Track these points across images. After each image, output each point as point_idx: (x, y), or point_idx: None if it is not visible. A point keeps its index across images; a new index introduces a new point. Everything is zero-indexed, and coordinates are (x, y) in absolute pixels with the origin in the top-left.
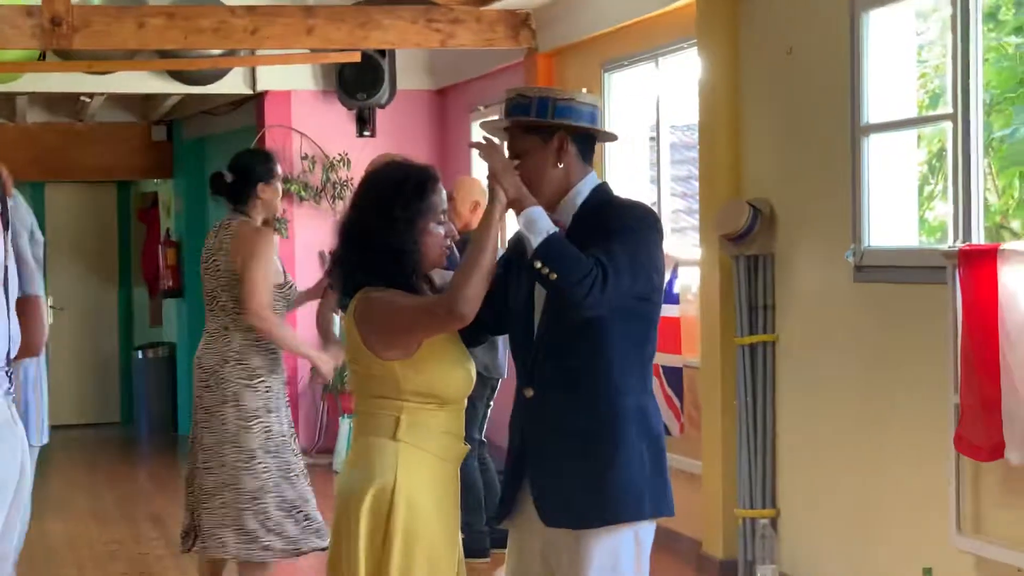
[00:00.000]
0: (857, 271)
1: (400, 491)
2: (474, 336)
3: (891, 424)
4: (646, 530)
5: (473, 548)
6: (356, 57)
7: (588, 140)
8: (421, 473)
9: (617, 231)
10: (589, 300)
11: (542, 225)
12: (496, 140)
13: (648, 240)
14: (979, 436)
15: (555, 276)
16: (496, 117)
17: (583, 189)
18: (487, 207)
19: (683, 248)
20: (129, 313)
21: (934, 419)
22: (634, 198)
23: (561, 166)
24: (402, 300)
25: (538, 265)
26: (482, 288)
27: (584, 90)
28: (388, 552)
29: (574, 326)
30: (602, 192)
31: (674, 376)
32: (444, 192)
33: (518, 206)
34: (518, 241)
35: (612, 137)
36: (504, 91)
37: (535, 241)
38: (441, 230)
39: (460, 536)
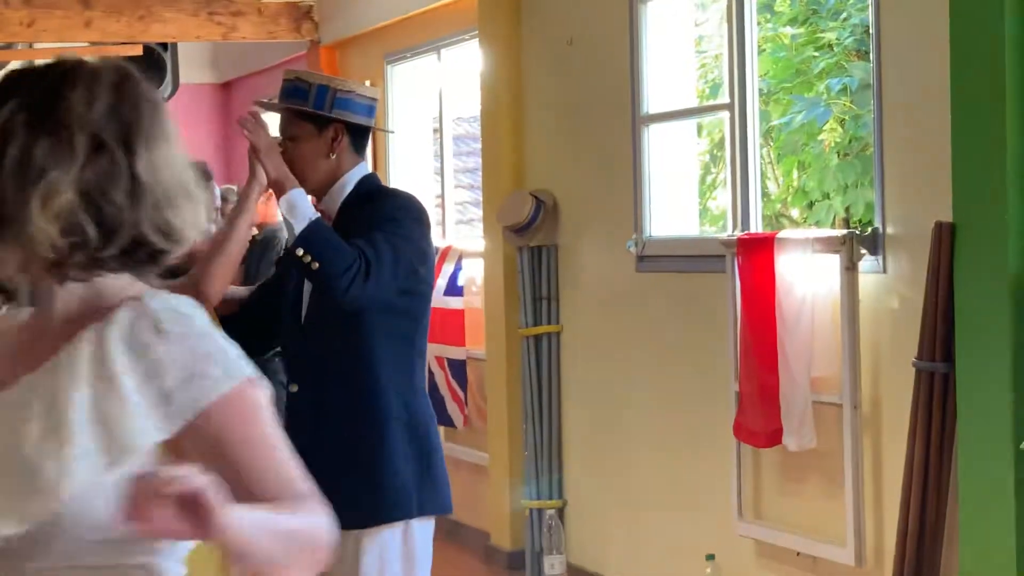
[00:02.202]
0: (639, 261)
1: None
2: (264, 344)
3: (675, 412)
4: (418, 528)
5: None
6: (137, 50)
7: (363, 132)
8: None
9: (381, 221)
10: (352, 292)
11: (304, 210)
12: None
13: (412, 231)
14: (757, 423)
15: (317, 265)
16: (273, 98)
17: (351, 179)
18: (245, 186)
19: (469, 240)
20: None
21: (716, 407)
22: (402, 188)
23: (333, 157)
24: None
25: (300, 253)
26: (229, 267)
27: (368, 83)
28: None
29: (338, 322)
30: (369, 182)
31: (458, 368)
32: (217, 189)
33: (279, 188)
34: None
35: (388, 131)
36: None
37: (297, 227)
38: (211, 227)
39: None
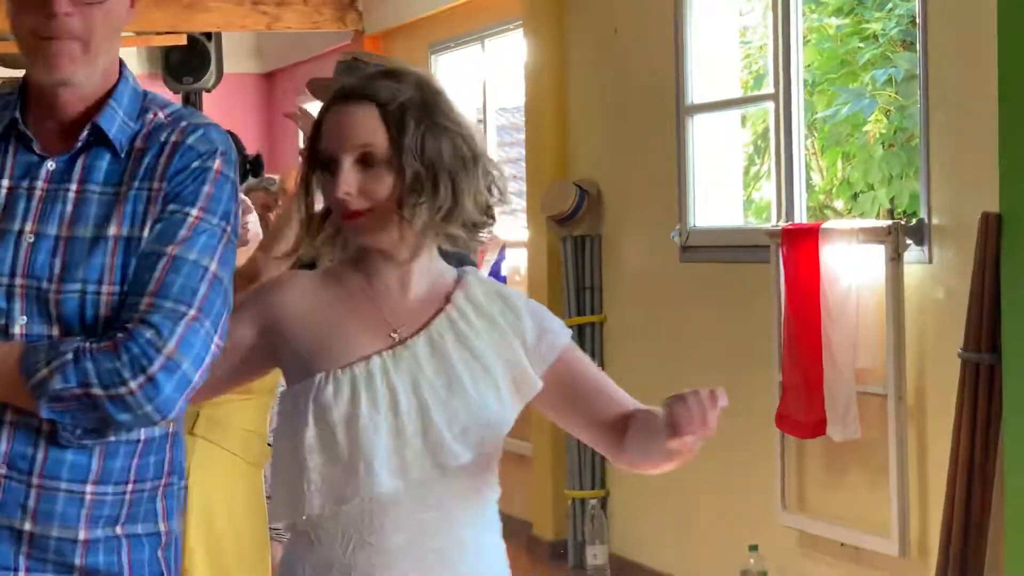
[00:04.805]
0: (683, 251)
1: (192, 490)
2: None
3: None
4: None
5: None
6: (181, 40)
7: None
8: (217, 473)
9: None
10: None
11: None
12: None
13: None
14: (801, 414)
15: None
16: (326, 80)
17: None
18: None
19: (512, 230)
20: None
21: (760, 397)
22: None
23: None
24: None
25: None
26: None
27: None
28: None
29: None
30: None
31: None
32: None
33: None
34: None
35: None
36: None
37: None
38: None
39: (268, 542)
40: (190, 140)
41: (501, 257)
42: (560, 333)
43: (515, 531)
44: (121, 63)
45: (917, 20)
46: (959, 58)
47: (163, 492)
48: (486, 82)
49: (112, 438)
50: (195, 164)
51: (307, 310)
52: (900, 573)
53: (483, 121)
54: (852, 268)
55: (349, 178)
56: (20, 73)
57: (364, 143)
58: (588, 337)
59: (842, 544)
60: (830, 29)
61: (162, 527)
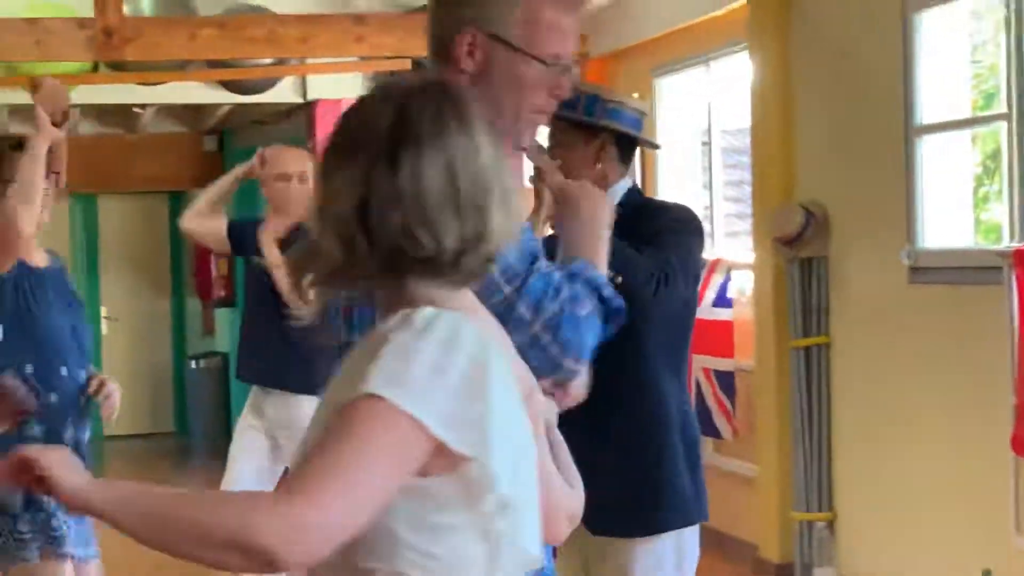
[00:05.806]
0: (912, 273)
1: None
2: None
3: (948, 425)
4: (689, 536)
5: None
6: (407, 65)
7: (629, 145)
8: None
9: (663, 233)
10: (659, 296)
11: None
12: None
13: (692, 242)
14: None
15: (620, 278)
16: None
17: (617, 191)
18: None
19: (736, 252)
20: (182, 323)
21: (992, 420)
22: (670, 200)
23: (599, 166)
24: None
25: None
26: None
27: (636, 95)
28: None
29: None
30: (635, 195)
31: (726, 380)
32: None
33: None
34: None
35: (655, 145)
36: None
37: None
38: None
39: None
40: None
41: (727, 279)
42: (351, 389)
43: (741, 553)
44: None
45: None
46: None
47: None
48: (710, 104)
49: None
50: None
51: None
52: None
53: (708, 143)
54: None
55: None
56: (246, 99)
57: None
58: (815, 358)
59: None
60: None
61: None
